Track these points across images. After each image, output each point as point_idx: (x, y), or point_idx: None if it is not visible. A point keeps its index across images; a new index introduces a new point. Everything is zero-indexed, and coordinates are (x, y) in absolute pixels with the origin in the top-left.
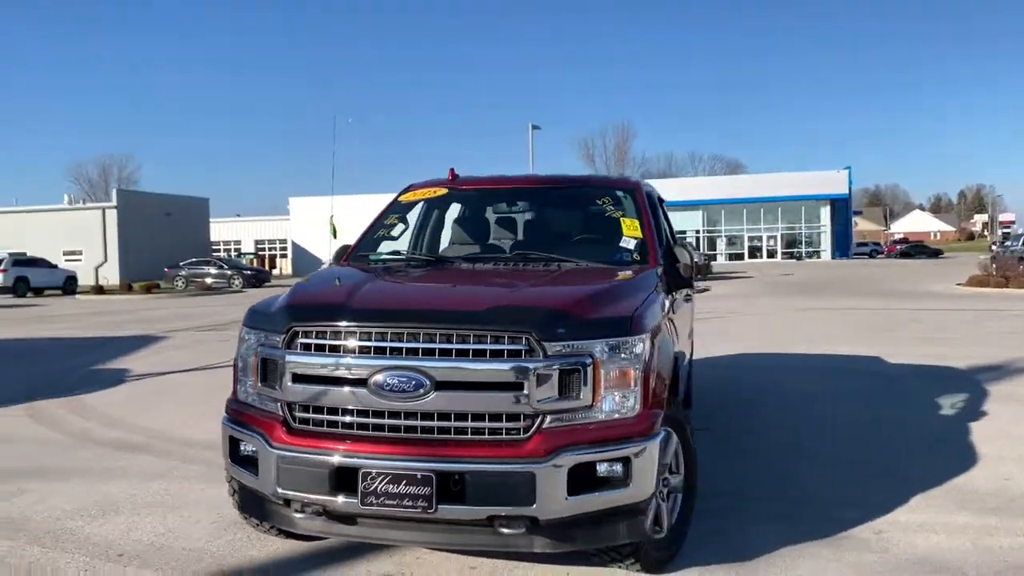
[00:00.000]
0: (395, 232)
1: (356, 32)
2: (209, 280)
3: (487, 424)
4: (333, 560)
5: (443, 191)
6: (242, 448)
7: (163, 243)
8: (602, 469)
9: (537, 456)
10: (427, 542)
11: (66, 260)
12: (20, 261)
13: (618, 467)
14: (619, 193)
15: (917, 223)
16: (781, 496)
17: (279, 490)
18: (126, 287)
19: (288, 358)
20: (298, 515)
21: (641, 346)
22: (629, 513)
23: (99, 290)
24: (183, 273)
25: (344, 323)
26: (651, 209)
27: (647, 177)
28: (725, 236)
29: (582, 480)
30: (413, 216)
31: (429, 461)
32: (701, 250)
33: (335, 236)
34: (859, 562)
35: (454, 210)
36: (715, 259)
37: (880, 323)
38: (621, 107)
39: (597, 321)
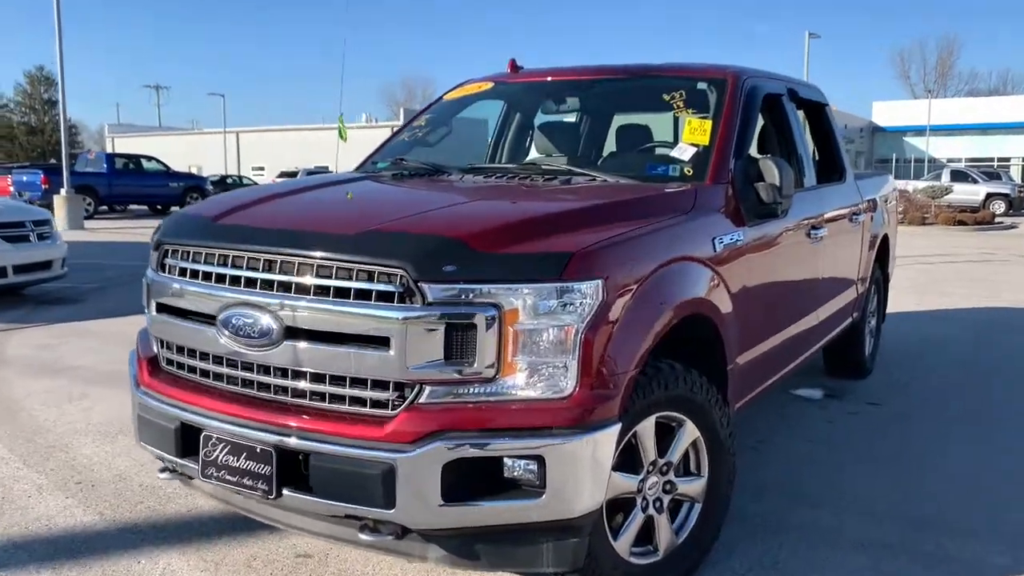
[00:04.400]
0: (432, 137)
1: None
2: None
3: (347, 390)
4: (264, 528)
5: (488, 86)
6: None
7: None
8: (510, 467)
9: (401, 440)
10: (312, 531)
11: None
12: (311, 173)
13: (528, 467)
14: (701, 86)
15: None
16: (901, 514)
17: (141, 442)
18: None
19: (151, 279)
20: (163, 475)
21: (587, 297)
22: (553, 532)
23: None
24: None
25: (199, 242)
26: (745, 109)
27: (974, 95)
28: None
29: (472, 479)
30: (468, 119)
31: (271, 432)
32: None
33: (343, 138)
34: None
35: (527, 112)
36: None
37: None
38: (947, 15)
39: (512, 257)
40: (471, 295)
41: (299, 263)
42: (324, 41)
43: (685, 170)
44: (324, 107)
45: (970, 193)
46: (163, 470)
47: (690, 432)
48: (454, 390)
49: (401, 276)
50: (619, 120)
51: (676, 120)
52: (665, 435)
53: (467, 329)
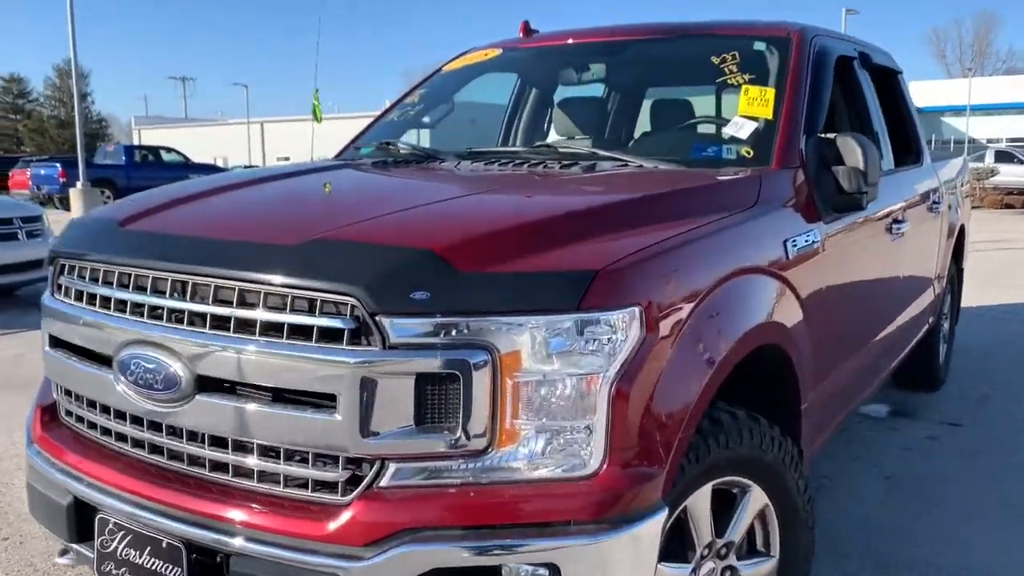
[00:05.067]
0: (429, 117)
1: None
2: None
3: (281, 466)
4: None
5: (495, 53)
6: None
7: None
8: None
9: (354, 542)
10: None
11: None
12: None
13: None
14: (759, 46)
15: None
16: None
17: (34, 516)
18: None
19: (43, 304)
20: (63, 559)
21: (618, 332)
22: None
23: None
24: None
25: (97, 256)
26: (814, 74)
27: (1012, 73)
28: None
29: None
30: (471, 96)
31: (180, 521)
32: None
33: (318, 120)
34: None
35: (545, 86)
36: None
37: None
38: None
39: (511, 278)
40: (452, 332)
41: (216, 286)
42: (348, 31)
43: (743, 151)
44: (349, 97)
45: (1017, 174)
46: (64, 552)
47: (756, 500)
48: (430, 468)
49: (352, 306)
50: (657, 92)
51: (719, 92)
52: (724, 504)
53: (447, 381)
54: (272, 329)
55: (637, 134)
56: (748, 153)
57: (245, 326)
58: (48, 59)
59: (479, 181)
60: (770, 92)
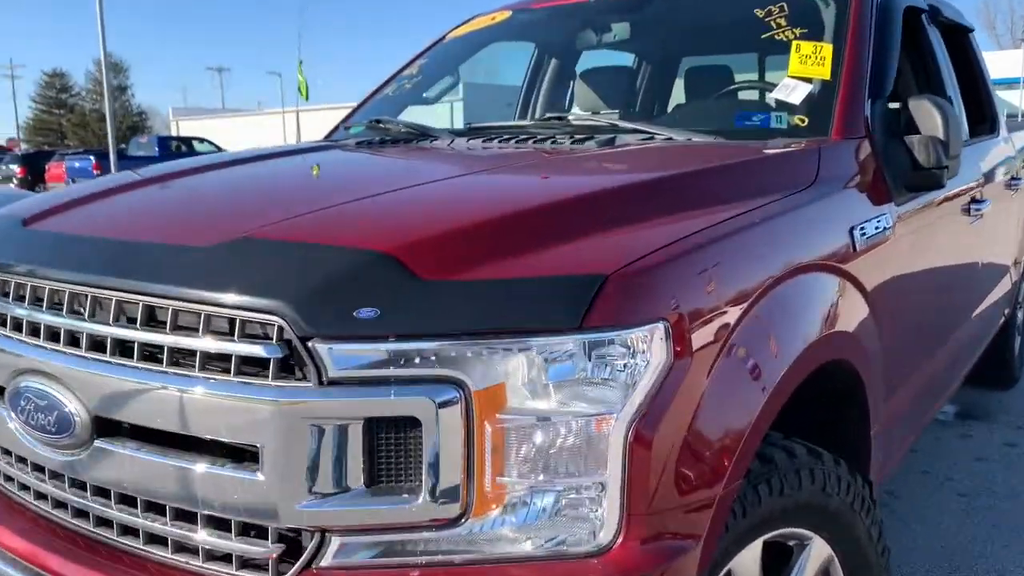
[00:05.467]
0: (431, 92)
1: None
2: None
3: (199, 536)
4: None
5: (504, 16)
6: None
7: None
8: None
9: None
10: None
11: None
12: None
13: None
14: None
15: None
16: None
17: None
18: None
19: None
20: None
21: (637, 357)
22: None
23: None
24: None
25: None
26: (879, 28)
27: None
28: None
29: None
30: (477, 68)
31: None
32: None
33: (305, 96)
34: None
35: (565, 55)
36: None
37: None
38: None
39: (490, 287)
40: (415, 361)
41: (118, 301)
42: (376, 20)
43: (795, 119)
44: (361, 84)
45: None
46: None
47: (818, 553)
48: (385, 543)
49: (279, 327)
50: (691, 53)
51: (764, 54)
52: (776, 556)
53: (406, 428)
54: (184, 356)
55: (671, 106)
56: (801, 121)
57: (151, 353)
58: (91, 53)
59: (470, 161)
60: (827, 48)
